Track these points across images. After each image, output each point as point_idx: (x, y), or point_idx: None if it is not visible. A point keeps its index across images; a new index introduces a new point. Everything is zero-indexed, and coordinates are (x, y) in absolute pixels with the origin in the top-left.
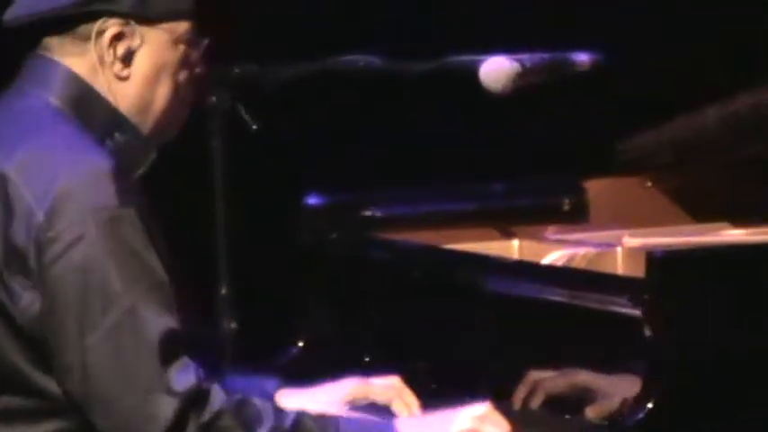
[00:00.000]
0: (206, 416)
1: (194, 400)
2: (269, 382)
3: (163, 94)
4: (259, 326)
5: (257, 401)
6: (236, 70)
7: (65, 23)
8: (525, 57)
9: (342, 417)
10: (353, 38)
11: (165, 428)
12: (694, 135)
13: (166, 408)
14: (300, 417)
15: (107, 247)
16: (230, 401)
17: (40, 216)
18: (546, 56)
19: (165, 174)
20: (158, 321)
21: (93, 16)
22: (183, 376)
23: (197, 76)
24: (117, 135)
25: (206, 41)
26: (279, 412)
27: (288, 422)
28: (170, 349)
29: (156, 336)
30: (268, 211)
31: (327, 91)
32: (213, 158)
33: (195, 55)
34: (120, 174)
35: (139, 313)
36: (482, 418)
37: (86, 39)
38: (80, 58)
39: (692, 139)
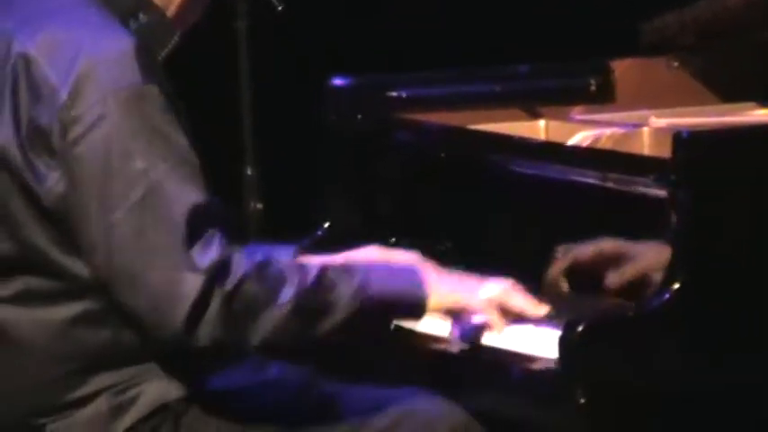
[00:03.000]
0: (229, 285)
1: (218, 273)
2: (286, 250)
3: None
4: (285, 206)
5: (280, 260)
6: None
7: None
8: None
9: (367, 264)
10: None
11: (190, 306)
12: (716, 17)
13: (191, 285)
14: (323, 270)
15: (129, 125)
16: (252, 265)
17: (63, 95)
18: None
19: (191, 56)
20: (183, 198)
21: None
22: (208, 251)
23: None
24: (140, 16)
25: None
26: (302, 268)
27: (310, 278)
28: (195, 226)
29: (180, 212)
30: (294, 92)
31: None
32: (239, 40)
33: None
34: (143, 52)
35: (163, 191)
36: (508, 291)
37: None
38: None
39: (713, 20)
